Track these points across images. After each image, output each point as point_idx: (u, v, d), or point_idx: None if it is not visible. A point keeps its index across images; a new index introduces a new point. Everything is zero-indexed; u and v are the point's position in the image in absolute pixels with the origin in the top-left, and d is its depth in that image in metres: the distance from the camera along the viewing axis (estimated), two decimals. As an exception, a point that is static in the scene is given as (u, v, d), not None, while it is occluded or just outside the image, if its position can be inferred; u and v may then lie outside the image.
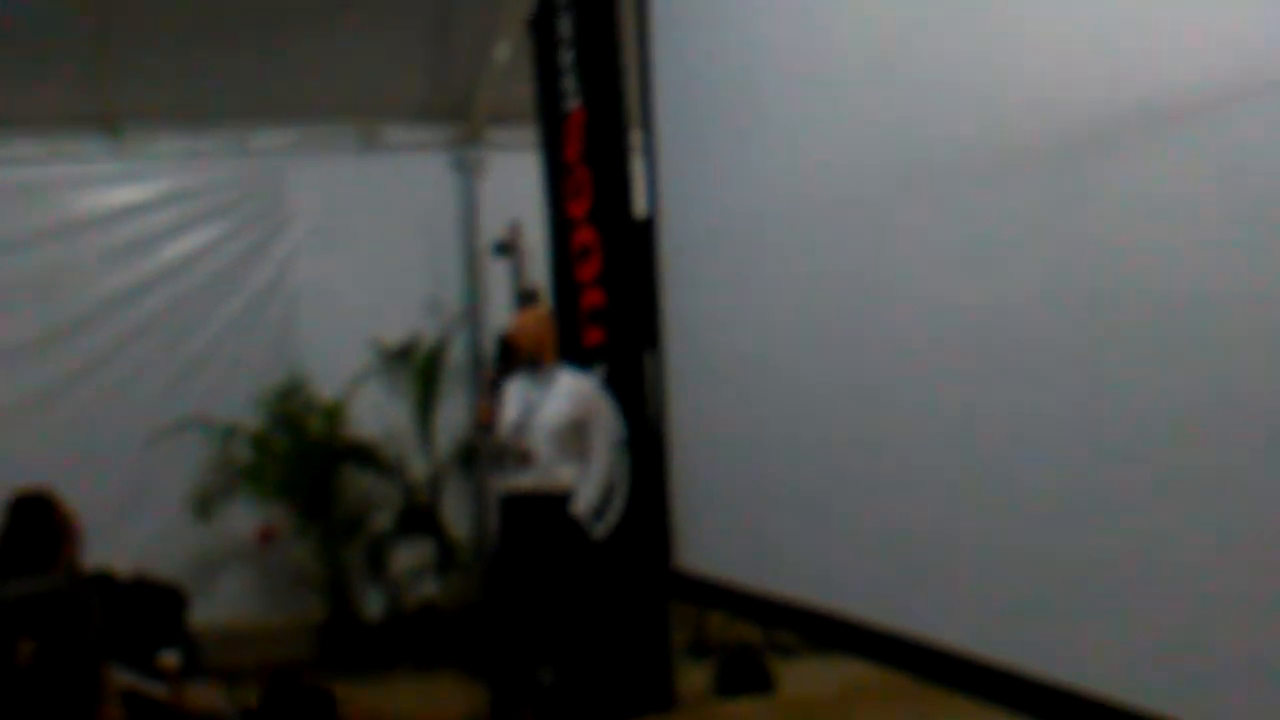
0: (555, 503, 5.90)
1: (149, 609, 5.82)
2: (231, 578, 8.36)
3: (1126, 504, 3.24)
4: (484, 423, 6.04)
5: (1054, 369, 3.47)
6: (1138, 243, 3.17)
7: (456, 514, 8.41)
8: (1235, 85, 2.88)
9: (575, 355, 6.56)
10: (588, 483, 5.91)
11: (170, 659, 4.59)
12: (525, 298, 8.26)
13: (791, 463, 4.91)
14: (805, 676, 6.90)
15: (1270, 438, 2.81)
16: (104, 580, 5.88)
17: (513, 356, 6.09)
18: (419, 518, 8.27)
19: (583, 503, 5.90)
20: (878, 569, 4.39)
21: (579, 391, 5.98)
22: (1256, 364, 2.84)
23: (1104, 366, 3.31)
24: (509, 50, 7.83)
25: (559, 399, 5.93)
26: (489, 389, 6.07)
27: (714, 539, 5.71)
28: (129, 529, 7.89)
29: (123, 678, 4.17)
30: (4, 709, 2.95)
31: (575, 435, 5.95)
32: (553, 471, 5.90)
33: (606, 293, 6.55)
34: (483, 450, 6.45)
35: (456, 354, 8.66)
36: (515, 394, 6.01)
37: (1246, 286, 2.86)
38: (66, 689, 3.13)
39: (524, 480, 5.94)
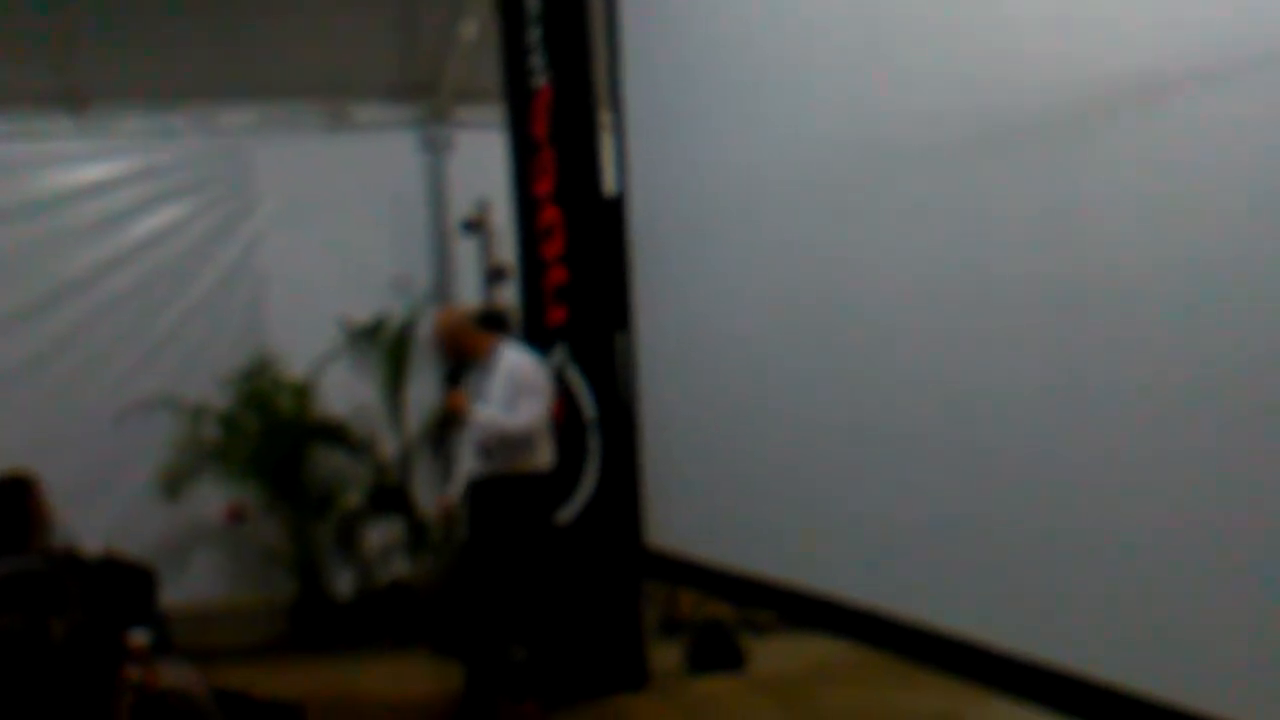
0: (513, 483, 5.92)
1: (119, 589, 5.79)
2: (201, 557, 8.33)
3: (1106, 483, 3.27)
4: (458, 413, 6.07)
5: (1034, 347, 3.49)
6: (1117, 221, 3.19)
7: (426, 492, 8.38)
8: (1214, 65, 2.90)
9: (539, 334, 6.56)
10: (503, 418, 5.91)
11: (141, 639, 4.56)
12: (493, 275, 8.25)
13: (763, 441, 4.93)
14: (777, 654, 6.92)
15: (1251, 414, 2.83)
16: (72, 560, 5.86)
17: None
18: (389, 496, 8.26)
19: (486, 417, 5.92)
20: (848, 546, 4.42)
21: (513, 367, 6.00)
22: (1236, 340, 2.86)
23: (1084, 345, 3.33)
24: (477, 27, 7.80)
25: (499, 383, 5.97)
26: (452, 377, 6.10)
27: (685, 517, 5.73)
28: (97, 508, 7.83)
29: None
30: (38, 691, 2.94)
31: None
32: (509, 455, 5.94)
33: (570, 271, 6.55)
34: (453, 439, 6.45)
35: (425, 333, 8.63)
36: (471, 384, 6.07)
37: (1228, 263, 2.88)
38: (95, 665, 3.15)
39: (486, 465, 5.99)
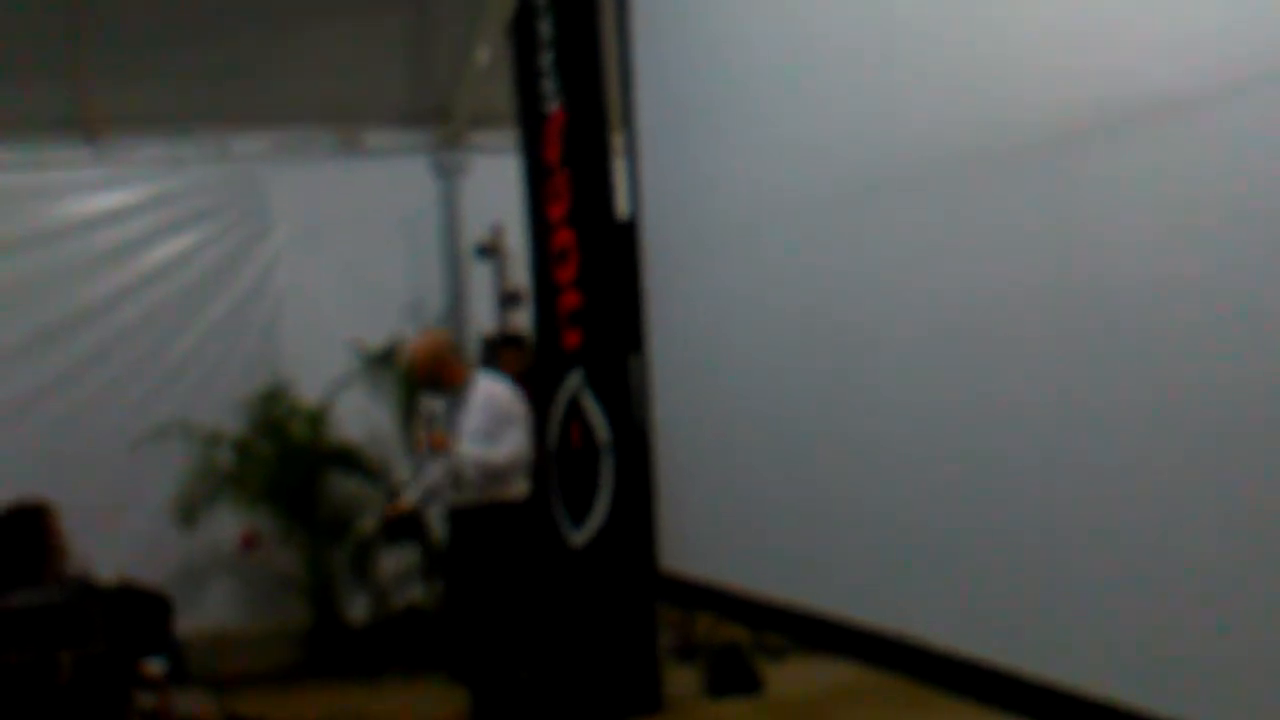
0: (494, 511, 5.93)
1: (134, 617, 5.79)
2: (216, 584, 8.34)
3: (1115, 503, 3.25)
4: (438, 448, 6.06)
5: (1043, 366, 3.47)
6: (1118, 239, 3.18)
7: (441, 517, 8.38)
8: (1215, 83, 2.89)
9: (554, 358, 6.55)
10: (485, 452, 5.90)
11: (156, 667, 4.58)
12: (507, 300, 8.26)
13: (776, 463, 4.91)
14: (793, 677, 6.90)
15: (1249, 431, 2.82)
16: (87, 588, 5.86)
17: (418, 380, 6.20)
18: (403, 521, 8.24)
19: (470, 454, 5.90)
20: (864, 569, 4.39)
21: (489, 397, 6.00)
22: (1234, 359, 2.85)
23: (1089, 362, 3.31)
24: (489, 53, 7.82)
25: (474, 412, 5.97)
26: (429, 422, 6.11)
27: (700, 540, 5.71)
28: (113, 536, 7.86)
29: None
30: None
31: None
32: (487, 484, 5.94)
33: (584, 295, 6.54)
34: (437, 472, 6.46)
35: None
36: (439, 413, 6.07)
37: (1220, 279, 2.87)
38: (102, 698, 3.16)
39: (465, 495, 6.00)
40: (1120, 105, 3.16)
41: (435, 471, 6.23)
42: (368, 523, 8.26)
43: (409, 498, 6.52)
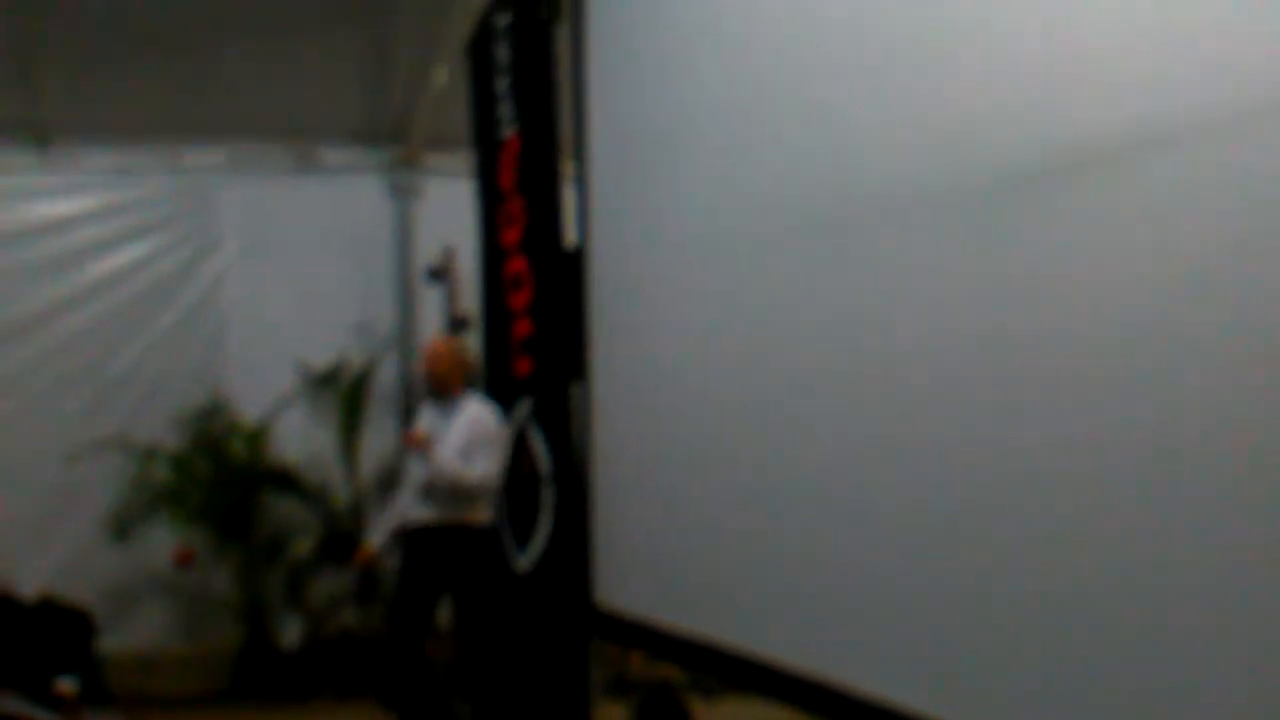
0: (456, 534, 5.86)
1: (52, 633, 5.67)
2: (147, 603, 8.20)
3: (1062, 557, 3.20)
4: (418, 446, 6.03)
5: (1008, 408, 3.41)
6: (1077, 277, 3.14)
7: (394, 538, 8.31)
8: (1162, 129, 2.87)
9: (504, 385, 6.48)
10: (461, 467, 5.85)
11: (68, 685, 4.46)
12: (456, 325, 8.19)
13: (712, 502, 4.86)
14: (726, 717, 6.81)
15: (1227, 471, 2.77)
16: (6, 602, 5.74)
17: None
18: (340, 545, 8.14)
19: (445, 461, 5.85)
20: (801, 613, 4.34)
21: (473, 418, 5.97)
22: (1212, 399, 2.81)
23: (1033, 403, 3.27)
24: (447, 75, 7.77)
25: (458, 429, 5.93)
26: (412, 417, 6.08)
27: (635, 576, 5.64)
28: (44, 549, 7.75)
29: (9, 704, 4.05)
30: None
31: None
32: (450, 503, 5.89)
33: (536, 323, 6.47)
34: (406, 480, 6.40)
35: (384, 380, 8.56)
36: (425, 425, 6.03)
37: (1205, 321, 2.83)
38: None
39: (427, 512, 5.94)
40: (1081, 145, 3.13)
41: (403, 502, 6.18)
42: (302, 545, 8.14)
43: (374, 540, 6.43)
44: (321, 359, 8.30)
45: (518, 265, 6.59)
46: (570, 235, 6.24)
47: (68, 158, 8.23)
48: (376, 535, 6.43)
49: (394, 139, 8.66)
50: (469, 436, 5.94)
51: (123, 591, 8.01)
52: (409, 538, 6.02)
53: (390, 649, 6.41)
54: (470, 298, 7.56)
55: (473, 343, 7.74)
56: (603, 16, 5.80)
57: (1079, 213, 3.13)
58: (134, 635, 7.86)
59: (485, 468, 5.86)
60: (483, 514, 5.95)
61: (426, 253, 8.57)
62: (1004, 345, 3.37)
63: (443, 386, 6.10)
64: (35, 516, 7.80)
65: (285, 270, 8.49)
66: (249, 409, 8.20)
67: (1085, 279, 3.10)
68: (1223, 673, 2.79)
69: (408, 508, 6.09)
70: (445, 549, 5.88)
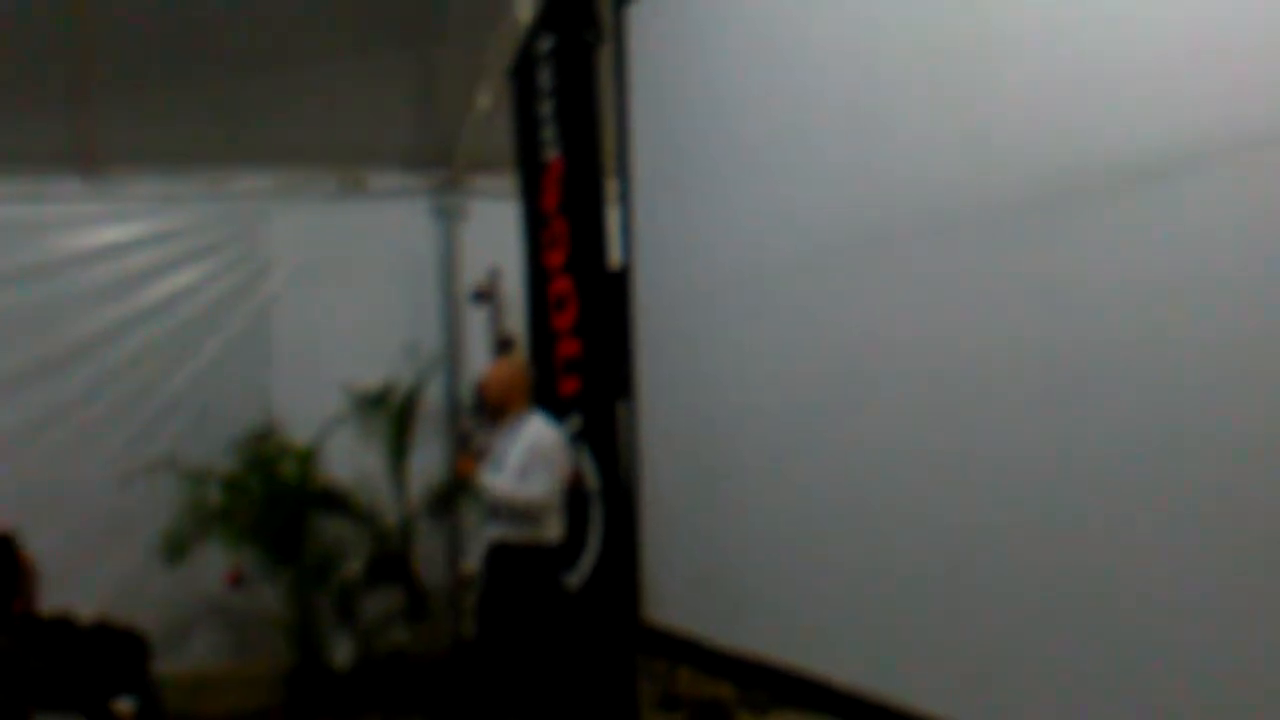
0: (520, 554, 5.87)
1: (109, 655, 5.75)
2: (201, 624, 8.27)
3: (1114, 565, 3.20)
4: (462, 477, 6.06)
5: (1039, 424, 3.43)
6: (1114, 296, 3.16)
7: (428, 561, 8.34)
8: (1194, 150, 2.88)
9: (551, 404, 6.52)
10: (512, 488, 5.87)
11: (126, 706, 4.53)
12: (501, 345, 8.24)
13: (760, 518, 4.89)
14: (775, 732, 6.82)
15: (1227, 487, 2.79)
16: (63, 625, 5.82)
17: (483, 404, 6.13)
18: (390, 565, 8.20)
19: (493, 484, 5.88)
20: (847, 628, 4.36)
21: (534, 436, 5.96)
22: (1216, 419, 2.83)
23: (1076, 420, 3.28)
24: (491, 99, 7.83)
25: (519, 448, 5.93)
26: (462, 441, 6.07)
27: (683, 593, 5.67)
28: (99, 572, 7.83)
29: (70, 726, 4.13)
30: None
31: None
32: (516, 522, 5.89)
33: (582, 343, 6.52)
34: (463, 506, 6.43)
35: (432, 400, 8.61)
36: (496, 446, 6.04)
37: (1210, 344, 2.85)
38: None
39: (494, 531, 5.95)
40: (1104, 167, 3.15)
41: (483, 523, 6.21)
42: (353, 565, 8.20)
43: (472, 561, 6.46)
44: (370, 381, 8.35)
45: (562, 286, 6.64)
46: (614, 255, 6.29)
47: (117, 185, 8.31)
48: (472, 555, 6.44)
49: (439, 163, 8.72)
50: (527, 455, 5.94)
51: (176, 613, 8.08)
52: (486, 556, 6.05)
53: (461, 666, 6.40)
54: (515, 318, 7.61)
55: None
56: (645, 39, 5.86)
57: (1117, 227, 3.15)
58: (187, 656, 7.94)
59: (541, 487, 5.85)
60: (549, 532, 5.94)
61: (472, 274, 8.63)
62: (1052, 357, 3.39)
63: (499, 409, 6.10)
64: (90, 540, 7.88)
65: (333, 293, 8.56)
66: (299, 431, 8.25)
67: (1124, 291, 3.12)
68: (1226, 673, 2.81)
69: (488, 527, 6.09)
70: (512, 570, 5.90)
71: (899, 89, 4.02)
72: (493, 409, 6.12)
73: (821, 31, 4.44)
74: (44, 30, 7.09)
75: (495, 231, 7.88)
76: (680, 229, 5.52)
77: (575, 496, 6.34)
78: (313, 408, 8.22)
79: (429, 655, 8.13)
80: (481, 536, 6.23)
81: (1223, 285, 2.83)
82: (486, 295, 8.50)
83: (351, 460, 8.28)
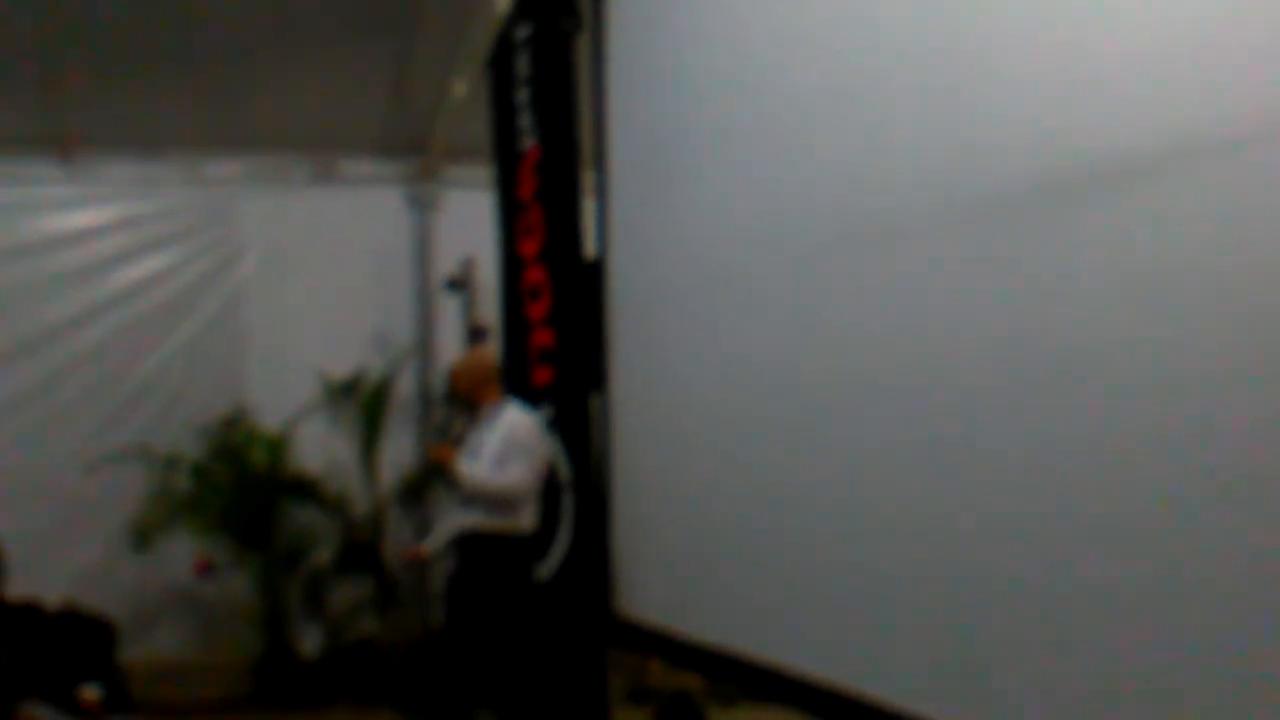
0: (493, 543, 5.85)
1: (75, 642, 5.71)
2: (169, 611, 8.24)
3: (1098, 566, 3.19)
4: (438, 463, 6.03)
5: (1017, 416, 3.41)
6: (1099, 295, 3.15)
7: (398, 550, 8.32)
8: (1173, 149, 2.88)
9: (524, 394, 6.50)
10: (489, 476, 5.84)
11: (92, 693, 4.50)
12: (475, 335, 8.22)
13: (732, 511, 4.87)
14: (744, 725, 6.83)
15: (1213, 491, 2.79)
16: (31, 611, 5.78)
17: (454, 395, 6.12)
18: (359, 554, 8.17)
19: (470, 474, 5.85)
20: (817, 620, 4.35)
21: (510, 424, 5.94)
22: (1203, 421, 2.83)
23: (1062, 414, 3.27)
24: (467, 87, 7.80)
25: (495, 436, 5.91)
26: (441, 429, 6.05)
27: (654, 584, 5.66)
28: (65, 558, 7.79)
29: (37, 712, 4.09)
30: None
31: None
32: (490, 510, 5.87)
33: (556, 333, 6.50)
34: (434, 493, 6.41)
35: (404, 389, 8.59)
36: (472, 435, 6.02)
37: (1198, 346, 2.85)
38: None
39: (466, 519, 5.92)
40: (1092, 165, 3.14)
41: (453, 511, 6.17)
42: (322, 554, 8.17)
43: (429, 544, 6.42)
44: (341, 369, 8.33)
45: (537, 275, 6.62)
46: (589, 246, 6.28)
47: (90, 169, 8.29)
48: (433, 539, 6.41)
49: (414, 151, 8.70)
50: (503, 443, 5.92)
51: (144, 600, 8.05)
52: (458, 543, 6.02)
53: (427, 655, 6.39)
54: (489, 308, 7.58)
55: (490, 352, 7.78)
56: (624, 27, 5.83)
57: (1105, 226, 3.14)
58: (155, 643, 7.91)
59: (516, 475, 5.83)
60: (522, 521, 5.91)
61: (446, 263, 8.61)
62: (1031, 355, 3.37)
63: (472, 399, 6.08)
64: (57, 526, 7.84)
65: (305, 281, 8.54)
66: (269, 418, 8.23)
67: (1113, 289, 3.12)
68: (1230, 672, 2.81)
69: (457, 514, 6.05)
70: (483, 558, 5.87)
71: (883, 81, 4.00)
72: (463, 399, 6.10)
73: (805, 20, 4.41)
74: (18, 14, 7.03)
75: (469, 221, 7.86)
76: (657, 220, 5.50)
77: (547, 487, 6.33)
78: (284, 395, 8.20)
79: (398, 644, 8.11)
80: (446, 522, 6.21)
81: (1214, 284, 2.83)
82: (460, 284, 8.48)
83: (322, 449, 8.25)
